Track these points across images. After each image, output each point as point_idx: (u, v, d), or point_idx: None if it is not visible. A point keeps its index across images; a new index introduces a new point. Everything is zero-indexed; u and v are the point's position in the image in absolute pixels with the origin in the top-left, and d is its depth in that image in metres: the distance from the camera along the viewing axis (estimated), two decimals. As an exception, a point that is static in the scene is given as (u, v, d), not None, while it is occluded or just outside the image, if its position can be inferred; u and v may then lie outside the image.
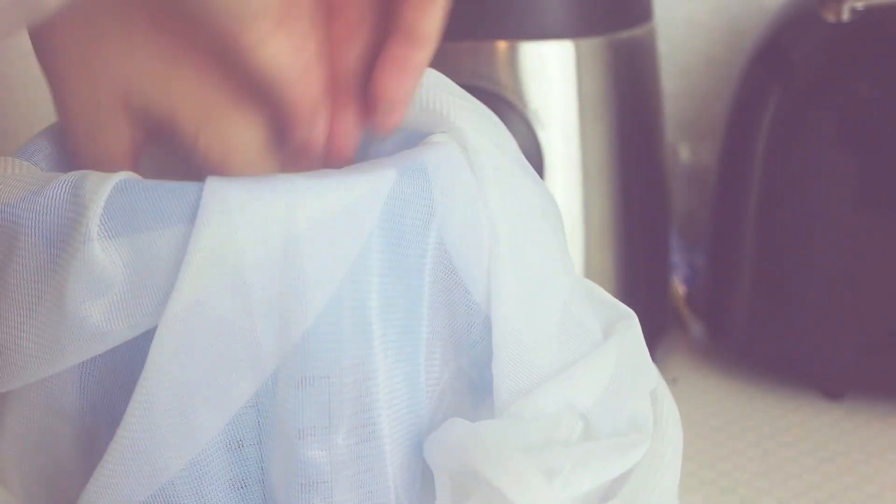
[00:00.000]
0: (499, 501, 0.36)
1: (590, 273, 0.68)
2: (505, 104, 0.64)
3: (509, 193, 0.39)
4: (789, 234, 0.67)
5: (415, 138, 0.40)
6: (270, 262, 0.34)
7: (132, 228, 0.34)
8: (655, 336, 0.72)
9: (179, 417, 0.35)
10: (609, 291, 0.46)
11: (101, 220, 0.34)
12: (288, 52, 0.35)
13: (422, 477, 0.39)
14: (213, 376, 0.34)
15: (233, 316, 0.34)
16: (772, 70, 0.69)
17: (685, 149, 0.86)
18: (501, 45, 0.65)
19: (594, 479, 0.39)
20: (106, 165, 0.38)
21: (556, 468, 0.37)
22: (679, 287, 0.79)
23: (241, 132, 0.37)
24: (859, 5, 0.65)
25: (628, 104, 0.69)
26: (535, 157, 0.65)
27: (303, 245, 0.34)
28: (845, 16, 0.65)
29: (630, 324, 0.43)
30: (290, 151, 0.39)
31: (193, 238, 0.33)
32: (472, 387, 0.40)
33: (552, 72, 0.65)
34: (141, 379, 0.34)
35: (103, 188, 0.34)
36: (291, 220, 0.34)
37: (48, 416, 0.37)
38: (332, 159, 0.39)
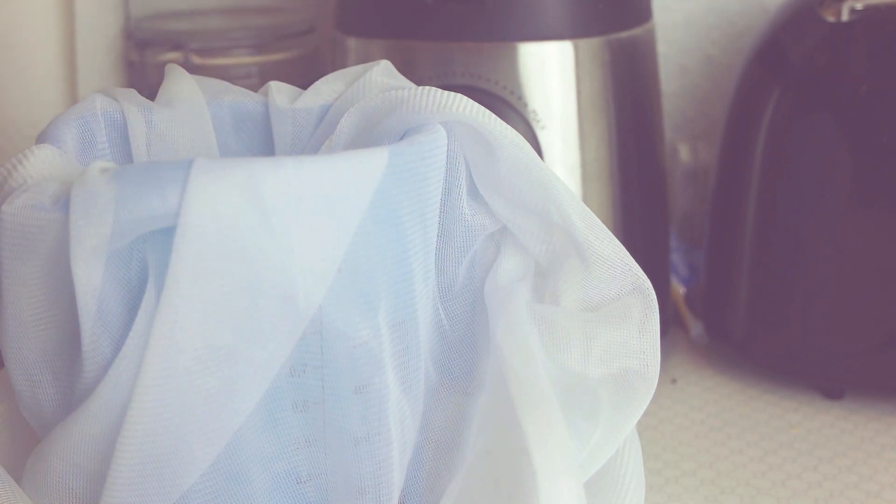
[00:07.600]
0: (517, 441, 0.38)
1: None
2: (505, 104, 0.64)
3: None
4: (789, 233, 0.67)
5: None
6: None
7: None
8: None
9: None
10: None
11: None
12: None
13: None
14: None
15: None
16: (771, 70, 0.69)
17: (684, 148, 0.86)
18: (501, 45, 0.65)
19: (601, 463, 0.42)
20: None
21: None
22: (678, 287, 0.79)
23: None
24: (859, 5, 0.65)
25: (627, 104, 0.69)
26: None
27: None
28: (845, 16, 0.65)
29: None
30: None
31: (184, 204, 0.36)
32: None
33: (552, 72, 0.65)
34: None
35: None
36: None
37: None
38: None
